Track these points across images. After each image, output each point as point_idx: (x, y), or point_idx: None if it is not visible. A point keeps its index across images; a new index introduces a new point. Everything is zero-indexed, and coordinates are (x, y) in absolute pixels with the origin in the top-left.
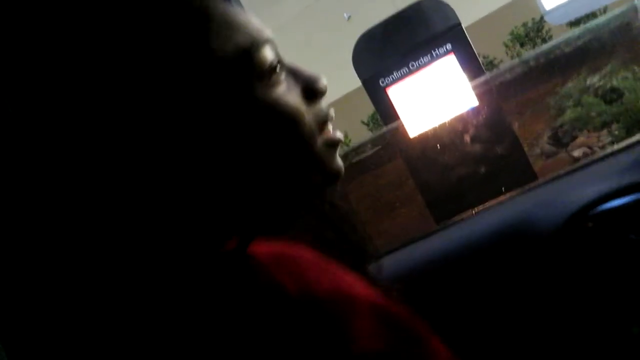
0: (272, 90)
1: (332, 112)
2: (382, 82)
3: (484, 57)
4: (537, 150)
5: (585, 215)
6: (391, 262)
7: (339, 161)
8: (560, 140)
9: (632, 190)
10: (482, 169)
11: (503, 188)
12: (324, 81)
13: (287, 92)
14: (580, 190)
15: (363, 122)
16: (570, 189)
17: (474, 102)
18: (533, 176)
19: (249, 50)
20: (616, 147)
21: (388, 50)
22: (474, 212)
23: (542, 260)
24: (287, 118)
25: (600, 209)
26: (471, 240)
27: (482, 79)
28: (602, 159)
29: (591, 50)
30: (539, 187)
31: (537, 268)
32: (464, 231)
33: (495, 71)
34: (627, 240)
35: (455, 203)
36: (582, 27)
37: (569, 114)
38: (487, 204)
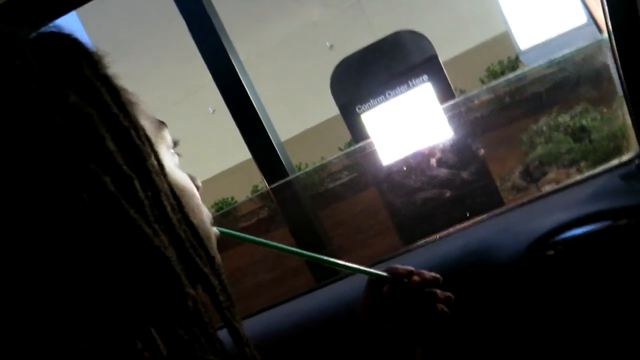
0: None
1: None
2: (359, 109)
3: (460, 91)
4: (509, 184)
5: (546, 243)
6: (355, 283)
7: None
8: (531, 175)
9: (591, 220)
10: (452, 195)
11: (467, 213)
12: (199, 181)
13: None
14: (542, 219)
15: (340, 149)
16: (533, 217)
17: (448, 132)
18: (501, 204)
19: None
20: (578, 177)
21: (365, 77)
22: (437, 237)
23: (503, 288)
24: (187, 186)
25: (560, 238)
26: (432, 266)
27: (456, 109)
28: (564, 189)
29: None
30: (502, 214)
31: (498, 295)
32: (426, 256)
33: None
34: (585, 270)
35: (423, 227)
36: (547, 60)
37: (539, 150)
38: (451, 229)
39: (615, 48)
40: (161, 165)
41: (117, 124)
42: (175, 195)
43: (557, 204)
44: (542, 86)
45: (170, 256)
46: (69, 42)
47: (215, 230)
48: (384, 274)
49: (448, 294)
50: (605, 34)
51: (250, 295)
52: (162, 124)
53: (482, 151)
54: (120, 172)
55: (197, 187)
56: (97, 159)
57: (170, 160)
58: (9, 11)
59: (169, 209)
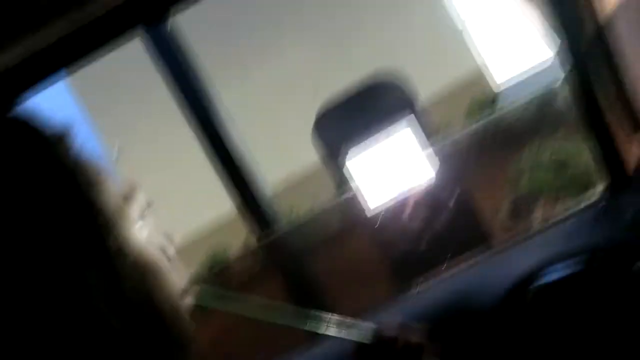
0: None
1: (183, 283)
2: (341, 157)
3: (443, 130)
4: (497, 224)
5: (526, 287)
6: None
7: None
8: (518, 213)
9: (566, 263)
10: (439, 239)
11: (449, 255)
12: (172, 250)
13: None
14: (522, 262)
15: (328, 196)
16: (512, 261)
17: (431, 174)
18: (490, 244)
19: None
20: (553, 219)
21: (346, 126)
22: (419, 284)
23: (485, 333)
24: (150, 262)
25: (539, 283)
26: (417, 312)
27: (438, 151)
28: (542, 230)
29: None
30: (482, 258)
31: (479, 341)
32: (412, 304)
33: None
34: (565, 312)
35: (412, 272)
36: (523, 98)
37: (522, 187)
38: (435, 275)
39: (573, 89)
40: (122, 246)
41: (68, 209)
42: (137, 276)
43: (533, 246)
44: (521, 123)
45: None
46: (23, 128)
47: (189, 300)
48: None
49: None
50: None
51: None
52: (128, 198)
53: (466, 191)
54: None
55: (169, 258)
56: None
57: (136, 237)
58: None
59: (128, 291)
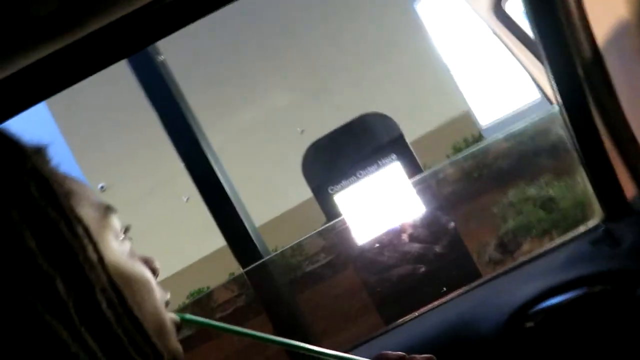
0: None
1: (168, 295)
2: (331, 190)
3: (429, 169)
4: (486, 258)
5: (525, 315)
6: None
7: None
8: (506, 248)
9: (566, 288)
10: (429, 271)
11: (444, 288)
12: (157, 263)
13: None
14: (518, 290)
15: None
16: (508, 289)
17: (420, 208)
18: (478, 276)
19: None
20: (548, 246)
21: (336, 159)
22: (416, 314)
23: None
24: (134, 275)
25: (538, 308)
26: (413, 344)
27: (426, 185)
28: (536, 258)
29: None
30: (478, 287)
31: None
32: (407, 334)
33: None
34: (566, 340)
35: (404, 305)
36: (503, 132)
37: (511, 223)
38: (430, 305)
39: (567, 121)
40: (100, 257)
41: (44, 218)
42: (116, 288)
43: (530, 274)
44: (507, 160)
45: None
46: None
47: (173, 317)
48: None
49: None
50: (555, 106)
51: None
52: (108, 210)
53: (454, 225)
54: (39, 272)
55: (154, 270)
56: (16, 258)
57: (116, 249)
58: None
59: (104, 305)
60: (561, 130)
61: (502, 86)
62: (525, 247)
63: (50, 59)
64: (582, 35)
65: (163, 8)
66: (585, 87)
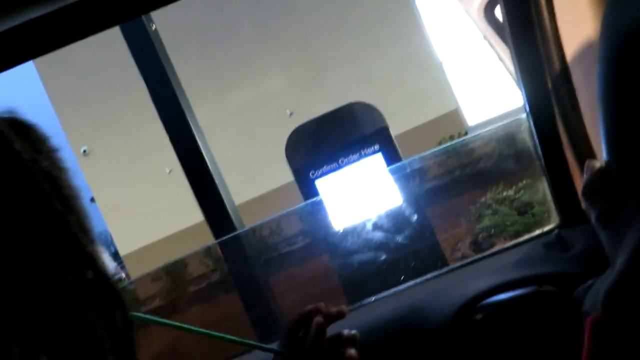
0: None
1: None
2: (312, 174)
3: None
4: (459, 254)
5: (474, 307)
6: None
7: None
8: (480, 246)
9: (516, 286)
10: (399, 259)
11: (402, 276)
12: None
13: None
14: (470, 284)
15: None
16: (461, 282)
17: (398, 199)
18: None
19: None
20: (504, 245)
21: (319, 145)
22: (372, 299)
23: (433, 351)
24: None
25: (487, 302)
26: (366, 327)
27: (405, 177)
28: (491, 255)
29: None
30: (434, 279)
31: (427, 358)
32: (362, 318)
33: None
34: (510, 334)
35: (369, 290)
36: (474, 135)
37: (486, 222)
38: (386, 292)
39: (533, 129)
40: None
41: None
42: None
43: (484, 270)
44: (489, 161)
45: None
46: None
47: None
48: (273, 347)
49: (353, 332)
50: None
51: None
52: None
53: (429, 219)
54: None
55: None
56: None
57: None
58: None
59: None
60: (527, 137)
61: (492, 88)
62: (498, 246)
63: (44, 19)
64: (553, 49)
65: None
66: (553, 98)
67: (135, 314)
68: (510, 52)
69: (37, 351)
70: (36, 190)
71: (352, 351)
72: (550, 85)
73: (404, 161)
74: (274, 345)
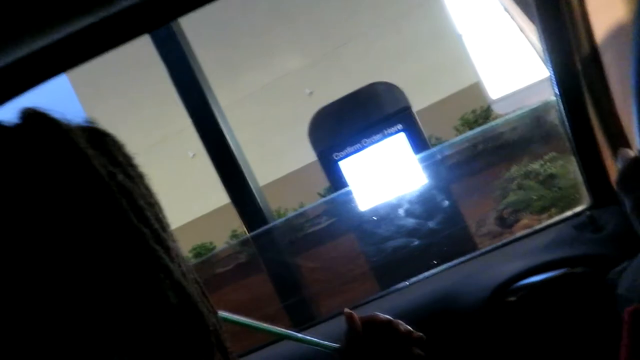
0: None
1: None
2: (336, 156)
3: (436, 139)
4: (484, 230)
5: (507, 289)
6: (328, 329)
7: None
8: (505, 222)
9: (548, 268)
10: (427, 242)
11: (435, 261)
12: None
13: None
14: (503, 267)
15: (319, 194)
16: (494, 265)
17: (423, 179)
18: (475, 249)
19: None
20: (535, 227)
21: (342, 126)
22: (407, 283)
23: (468, 332)
24: None
25: (520, 284)
26: (402, 311)
27: (430, 157)
28: (522, 238)
29: (526, 132)
30: (466, 262)
31: (463, 340)
32: (398, 302)
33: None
34: (544, 316)
35: (398, 273)
36: (502, 119)
37: (511, 197)
38: (421, 276)
39: (562, 111)
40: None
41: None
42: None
43: (516, 252)
44: (513, 135)
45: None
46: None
47: None
48: (335, 345)
49: (420, 334)
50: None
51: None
52: None
53: (455, 198)
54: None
55: None
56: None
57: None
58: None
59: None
60: (556, 119)
61: (514, 60)
62: (524, 221)
63: (79, 33)
64: (582, 31)
65: None
66: (582, 80)
67: (222, 315)
68: (537, 30)
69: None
70: (114, 208)
71: (419, 351)
72: (579, 66)
73: (433, 149)
74: (335, 345)
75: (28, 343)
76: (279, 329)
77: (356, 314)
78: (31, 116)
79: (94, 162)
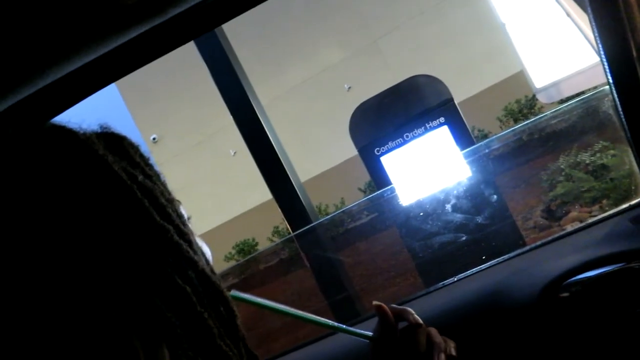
0: None
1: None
2: (377, 151)
3: (478, 131)
4: (531, 223)
5: (560, 285)
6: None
7: None
8: (553, 214)
9: (603, 263)
10: (473, 237)
11: (484, 256)
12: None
13: None
14: (555, 262)
15: (360, 189)
16: (546, 260)
17: (467, 173)
18: (522, 244)
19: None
20: (589, 221)
21: (383, 121)
22: (455, 279)
23: (519, 329)
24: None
25: (573, 280)
26: (450, 308)
27: (475, 150)
28: (575, 232)
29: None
30: (516, 257)
31: (514, 337)
32: (445, 299)
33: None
34: (599, 313)
35: (443, 269)
36: (554, 109)
37: (560, 189)
38: (468, 272)
39: (616, 100)
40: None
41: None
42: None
43: (568, 247)
44: (562, 124)
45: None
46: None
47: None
48: (369, 333)
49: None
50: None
51: (267, 339)
52: (178, 202)
53: (500, 191)
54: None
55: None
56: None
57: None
58: (47, 92)
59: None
60: (610, 110)
61: (559, 47)
62: (573, 214)
63: (132, 42)
64: (637, 15)
65: None
66: (638, 66)
67: (235, 294)
68: (589, 15)
69: (157, 341)
70: (138, 208)
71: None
72: (634, 52)
73: (480, 143)
74: (369, 332)
75: (70, 332)
76: (304, 313)
77: (386, 306)
78: (50, 130)
79: (115, 167)
